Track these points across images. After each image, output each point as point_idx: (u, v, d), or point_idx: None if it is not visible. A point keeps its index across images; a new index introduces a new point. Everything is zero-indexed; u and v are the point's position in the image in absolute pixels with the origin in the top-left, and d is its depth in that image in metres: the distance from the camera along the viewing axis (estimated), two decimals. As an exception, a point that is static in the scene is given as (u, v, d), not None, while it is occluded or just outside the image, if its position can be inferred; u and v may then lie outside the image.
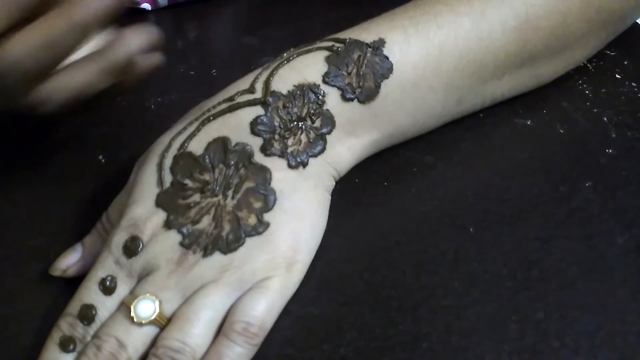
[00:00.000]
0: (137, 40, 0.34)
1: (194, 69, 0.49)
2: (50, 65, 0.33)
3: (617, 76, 0.46)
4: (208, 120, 0.36)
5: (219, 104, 0.36)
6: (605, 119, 0.44)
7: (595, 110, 0.44)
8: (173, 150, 0.35)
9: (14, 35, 0.31)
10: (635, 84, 0.46)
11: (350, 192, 0.39)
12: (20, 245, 0.38)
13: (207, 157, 0.35)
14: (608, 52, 0.48)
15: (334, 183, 0.38)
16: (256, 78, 0.37)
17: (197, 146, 0.35)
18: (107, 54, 0.33)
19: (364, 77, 0.37)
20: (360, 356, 0.33)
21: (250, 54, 0.50)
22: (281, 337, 0.33)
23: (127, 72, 0.34)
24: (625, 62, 0.48)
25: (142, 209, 0.34)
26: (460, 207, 0.39)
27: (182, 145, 0.35)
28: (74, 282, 0.34)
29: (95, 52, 0.34)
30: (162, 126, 0.37)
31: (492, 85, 0.41)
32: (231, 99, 0.36)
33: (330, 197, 0.37)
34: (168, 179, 0.34)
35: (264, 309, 0.32)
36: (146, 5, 0.54)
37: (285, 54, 0.38)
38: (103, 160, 0.42)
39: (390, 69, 0.37)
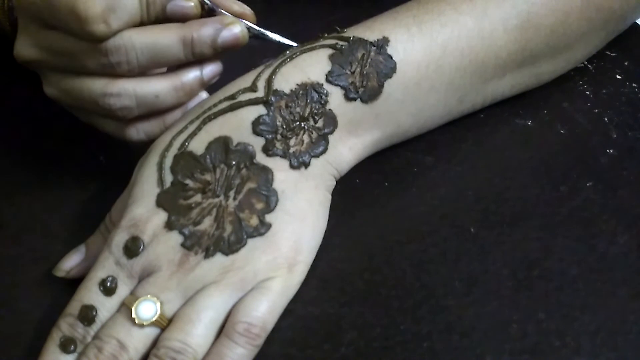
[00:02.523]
0: (212, 70, 0.37)
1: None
2: (146, 66, 0.35)
3: (618, 77, 0.46)
4: (209, 119, 0.36)
5: (220, 102, 0.36)
6: (605, 119, 0.44)
7: (596, 110, 0.44)
8: (174, 150, 0.35)
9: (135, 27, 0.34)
10: (635, 85, 0.46)
11: (351, 192, 0.39)
12: (20, 245, 0.38)
13: (208, 157, 0.34)
14: (608, 52, 0.48)
15: (335, 182, 0.38)
16: (258, 76, 0.37)
17: (198, 145, 0.35)
18: (182, 74, 0.36)
19: (368, 76, 0.37)
20: (360, 356, 0.33)
21: (250, 54, 0.50)
22: (282, 337, 0.33)
23: (192, 96, 0.37)
24: (626, 63, 0.47)
25: (143, 209, 0.34)
26: (461, 207, 0.39)
27: (183, 145, 0.35)
28: (74, 283, 0.34)
29: (171, 71, 0.36)
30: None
31: (493, 84, 0.41)
32: (232, 97, 0.36)
33: (330, 197, 0.37)
34: (168, 178, 0.34)
35: (265, 309, 0.32)
36: None
37: (287, 52, 0.38)
38: (103, 161, 0.42)
39: (393, 69, 0.37)
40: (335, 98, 0.37)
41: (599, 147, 0.42)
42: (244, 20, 0.37)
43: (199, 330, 0.31)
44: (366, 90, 0.37)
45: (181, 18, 0.35)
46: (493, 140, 0.42)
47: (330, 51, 0.37)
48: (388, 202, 0.39)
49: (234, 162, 0.34)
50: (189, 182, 0.34)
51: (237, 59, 0.43)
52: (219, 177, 0.34)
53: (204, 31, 0.35)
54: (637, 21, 0.48)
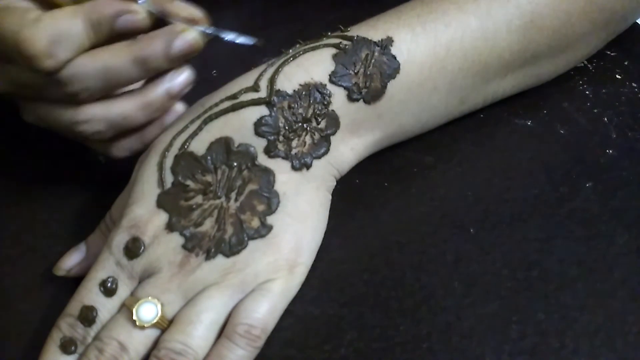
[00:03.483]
0: (180, 82, 0.35)
1: (194, 70, 0.48)
2: (103, 90, 0.34)
3: (618, 76, 0.46)
4: (210, 119, 0.35)
5: (222, 101, 0.36)
6: (605, 119, 0.44)
7: (596, 110, 0.44)
8: (174, 150, 0.35)
9: (85, 52, 0.33)
10: (635, 84, 0.46)
11: (350, 192, 0.39)
12: (20, 245, 0.38)
13: (209, 157, 0.34)
14: (608, 52, 0.48)
15: (335, 183, 0.38)
16: (260, 75, 0.36)
17: (198, 146, 0.35)
18: (149, 91, 0.35)
19: (371, 77, 0.37)
20: (360, 356, 0.33)
21: (250, 54, 0.50)
22: (282, 338, 0.33)
23: (164, 111, 0.36)
24: (626, 63, 0.47)
25: (143, 209, 0.34)
26: (461, 207, 0.39)
27: (184, 145, 0.35)
28: (74, 283, 0.34)
29: (138, 89, 0.35)
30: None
31: (494, 84, 0.41)
32: (234, 96, 0.36)
33: (330, 197, 0.37)
34: (169, 179, 0.34)
35: (266, 311, 0.32)
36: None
37: (291, 50, 0.37)
38: (103, 160, 0.42)
39: (397, 69, 0.37)
40: (338, 99, 0.36)
41: (599, 147, 0.42)
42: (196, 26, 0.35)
43: (199, 331, 0.31)
44: (369, 91, 0.37)
45: (133, 32, 0.34)
46: (493, 140, 0.42)
47: (333, 50, 0.37)
48: (388, 202, 0.39)
49: (235, 164, 0.34)
50: (190, 183, 0.34)
51: (237, 57, 0.43)
52: (220, 178, 0.34)
53: (155, 46, 0.34)
54: (637, 21, 0.48)
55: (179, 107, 0.37)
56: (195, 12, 0.35)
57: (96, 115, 0.35)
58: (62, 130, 0.36)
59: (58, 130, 0.36)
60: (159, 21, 0.35)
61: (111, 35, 0.34)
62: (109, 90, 0.34)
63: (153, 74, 0.35)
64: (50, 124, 0.36)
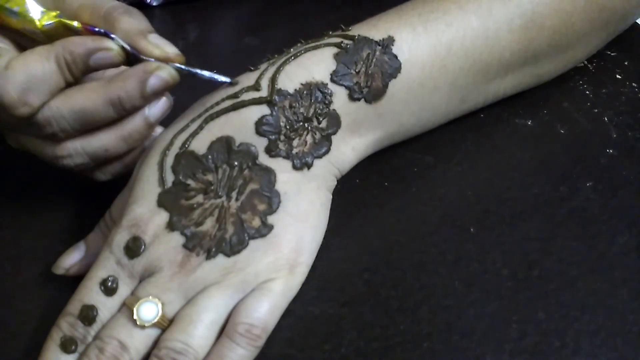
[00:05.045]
0: (157, 110, 0.35)
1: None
2: (76, 129, 0.34)
3: (618, 76, 0.46)
4: (211, 118, 0.35)
5: (223, 100, 0.36)
6: (605, 119, 0.44)
7: (596, 110, 0.44)
8: (175, 149, 0.35)
9: (60, 93, 0.33)
10: (635, 84, 0.46)
11: (350, 192, 0.39)
12: (20, 245, 0.38)
13: (210, 157, 0.34)
14: (608, 52, 0.48)
15: (336, 182, 0.38)
16: (262, 74, 0.36)
17: (199, 145, 0.35)
18: (127, 122, 0.35)
19: (372, 76, 0.37)
20: (360, 356, 0.33)
21: (250, 54, 0.50)
22: (282, 337, 0.33)
23: (144, 137, 0.36)
24: (626, 63, 0.48)
25: (144, 208, 0.33)
26: (461, 207, 0.39)
27: (184, 144, 0.35)
28: (74, 282, 0.34)
29: (116, 120, 0.35)
30: (162, 126, 0.37)
31: (495, 84, 0.41)
32: (235, 95, 0.36)
33: (331, 197, 0.37)
34: (170, 178, 0.34)
35: (266, 310, 0.32)
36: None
37: (292, 49, 0.37)
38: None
39: (398, 69, 0.37)
40: (339, 98, 0.36)
41: (599, 147, 0.42)
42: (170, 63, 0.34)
43: (200, 331, 0.31)
44: (370, 91, 0.37)
45: (108, 67, 0.34)
46: (493, 140, 0.42)
47: (335, 50, 0.37)
48: (388, 202, 0.39)
49: (236, 163, 0.34)
50: (191, 182, 0.34)
51: (237, 60, 0.43)
52: (221, 177, 0.34)
53: (129, 86, 0.33)
54: (637, 21, 0.48)
55: (159, 129, 0.37)
56: (169, 48, 0.34)
57: (77, 150, 0.35)
58: (46, 160, 0.36)
59: (42, 159, 0.36)
60: (134, 56, 0.34)
61: (86, 72, 0.34)
62: (87, 129, 0.34)
63: (130, 111, 0.34)
64: (33, 154, 0.36)
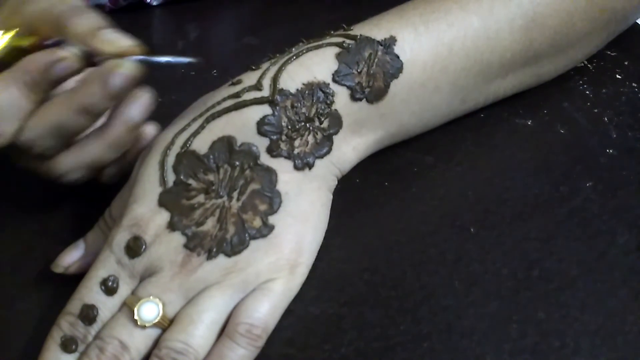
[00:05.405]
0: (136, 112, 0.34)
1: (195, 70, 0.49)
2: (60, 144, 0.34)
3: (618, 76, 0.46)
4: (213, 117, 0.35)
5: (224, 100, 0.36)
6: (605, 119, 0.44)
7: (596, 110, 0.44)
8: (176, 148, 0.35)
9: (33, 114, 0.33)
10: (635, 84, 0.46)
11: (350, 192, 0.39)
12: (20, 245, 0.38)
13: (211, 156, 0.34)
14: (608, 52, 0.48)
15: (337, 182, 0.38)
16: (263, 74, 0.36)
17: (201, 145, 0.35)
18: (110, 129, 0.34)
19: (374, 76, 0.37)
20: (360, 356, 0.33)
21: (250, 54, 0.50)
22: (282, 337, 0.33)
23: (133, 142, 0.35)
24: (626, 63, 0.48)
25: (145, 208, 0.33)
26: (461, 207, 0.39)
27: (186, 143, 0.35)
28: (74, 283, 0.33)
29: (100, 128, 0.35)
30: (162, 126, 0.37)
31: (496, 84, 0.41)
32: (237, 95, 0.36)
33: (331, 197, 0.37)
34: (171, 177, 0.34)
35: (267, 310, 0.32)
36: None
37: (294, 49, 0.37)
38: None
39: (400, 69, 0.37)
40: (341, 98, 0.36)
41: (599, 147, 0.42)
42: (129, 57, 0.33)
43: (200, 331, 0.31)
44: (372, 91, 0.37)
45: (73, 75, 0.34)
46: (493, 140, 0.43)
47: (336, 49, 0.37)
48: (388, 202, 0.39)
49: (237, 163, 0.34)
50: (192, 182, 0.34)
51: (237, 60, 0.43)
52: (222, 177, 0.34)
53: (92, 91, 0.32)
54: (637, 21, 0.48)
55: (150, 129, 0.37)
56: (123, 42, 0.33)
57: (71, 166, 0.35)
58: (51, 179, 0.36)
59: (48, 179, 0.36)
60: (92, 60, 0.33)
61: (54, 86, 0.33)
62: (71, 140, 0.34)
63: (104, 113, 0.34)
64: (39, 175, 0.36)
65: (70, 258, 0.35)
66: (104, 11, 0.51)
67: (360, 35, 0.37)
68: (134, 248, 0.33)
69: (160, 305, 0.32)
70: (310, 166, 0.36)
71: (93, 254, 0.35)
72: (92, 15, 0.34)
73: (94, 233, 0.36)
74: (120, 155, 0.36)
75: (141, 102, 0.34)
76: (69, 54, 0.33)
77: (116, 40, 0.33)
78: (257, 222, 0.33)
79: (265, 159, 0.35)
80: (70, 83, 0.35)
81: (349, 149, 0.38)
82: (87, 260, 0.35)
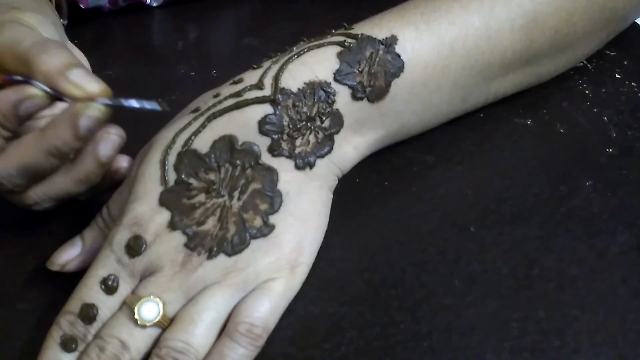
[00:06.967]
0: (106, 149, 0.34)
1: (195, 70, 0.49)
2: (30, 182, 0.34)
3: (617, 76, 0.47)
4: (214, 116, 0.35)
5: (226, 99, 0.36)
6: (605, 118, 0.44)
7: (596, 109, 0.44)
8: (177, 147, 0.34)
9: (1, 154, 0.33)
10: (635, 84, 0.46)
11: (350, 192, 0.39)
12: (19, 244, 0.38)
13: (212, 155, 0.34)
14: (608, 52, 0.48)
15: (337, 182, 0.38)
16: (265, 73, 0.36)
17: (202, 144, 0.34)
18: (80, 165, 0.34)
19: (375, 75, 0.37)
20: (360, 355, 0.33)
21: (250, 54, 0.50)
22: (282, 336, 0.33)
23: (101, 175, 0.35)
24: (625, 62, 0.48)
25: (145, 207, 0.33)
26: (461, 206, 0.39)
27: (187, 142, 0.34)
28: (74, 282, 0.33)
29: (70, 163, 0.34)
30: (162, 126, 0.37)
31: (496, 83, 0.41)
32: (238, 94, 0.36)
33: (332, 197, 0.37)
34: (172, 176, 0.34)
35: (267, 310, 0.32)
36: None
37: (295, 48, 0.37)
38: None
39: (401, 68, 0.37)
40: (342, 97, 0.36)
41: (599, 146, 0.42)
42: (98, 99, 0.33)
43: (200, 330, 0.31)
44: (373, 90, 0.37)
45: (39, 111, 0.34)
46: (493, 140, 0.43)
47: (338, 49, 0.37)
48: (388, 202, 0.39)
49: (238, 162, 0.34)
50: (193, 181, 0.34)
51: (237, 61, 0.43)
52: (223, 177, 0.34)
53: (61, 133, 0.32)
54: (637, 21, 0.48)
55: (122, 161, 0.36)
56: (90, 87, 0.33)
57: (41, 197, 0.35)
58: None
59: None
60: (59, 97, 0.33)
61: (21, 123, 0.33)
62: (41, 178, 0.34)
63: (73, 154, 0.34)
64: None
65: (67, 256, 0.35)
66: (103, 12, 0.51)
67: (362, 34, 0.37)
68: (135, 247, 0.33)
69: (161, 305, 0.32)
70: (311, 165, 0.36)
71: (90, 251, 0.35)
72: (60, 52, 0.33)
73: (91, 230, 0.36)
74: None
75: (113, 140, 0.34)
76: (36, 92, 0.33)
77: (84, 84, 0.33)
78: (258, 222, 0.33)
79: (266, 159, 0.35)
80: (40, 120, 0.35)
81: (350, 148, 0.38)
82: (84, 259, 0.35)
